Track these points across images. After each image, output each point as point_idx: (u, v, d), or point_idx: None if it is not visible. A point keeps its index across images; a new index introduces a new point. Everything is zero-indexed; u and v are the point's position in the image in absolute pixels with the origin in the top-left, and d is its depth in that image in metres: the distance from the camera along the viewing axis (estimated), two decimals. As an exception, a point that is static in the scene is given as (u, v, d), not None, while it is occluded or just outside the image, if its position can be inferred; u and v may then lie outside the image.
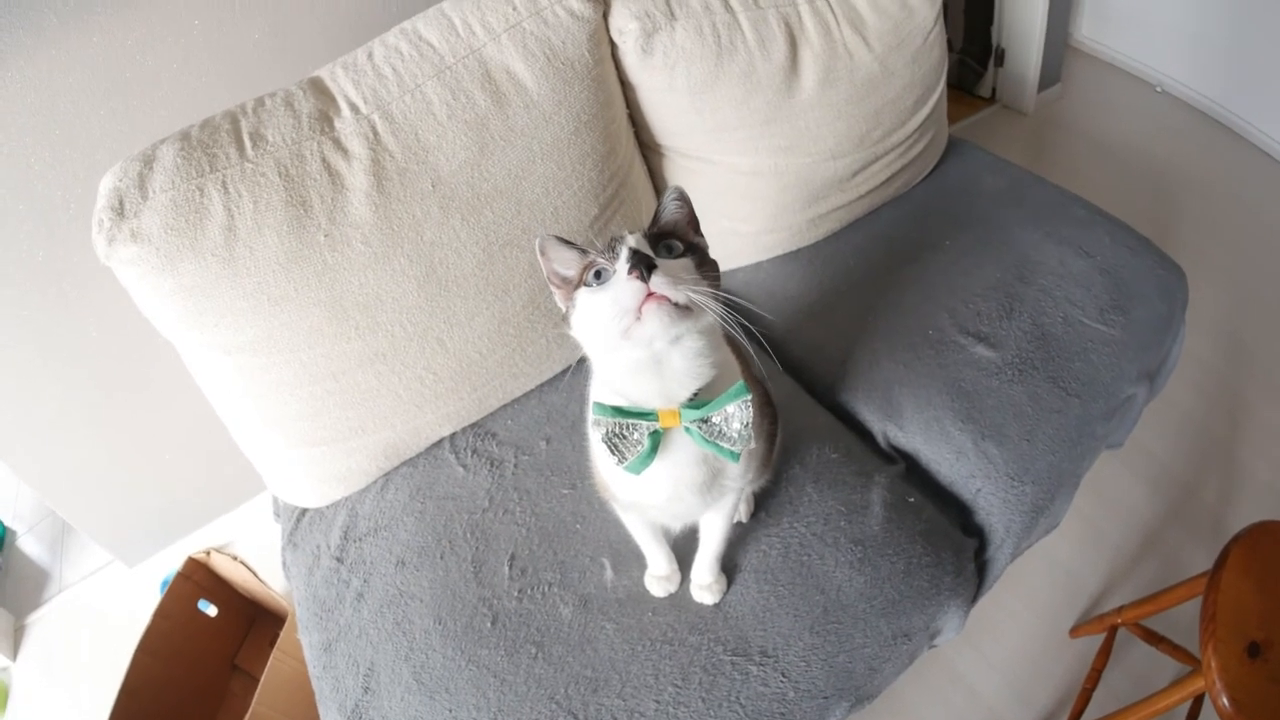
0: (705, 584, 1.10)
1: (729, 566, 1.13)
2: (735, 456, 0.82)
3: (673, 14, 1.29)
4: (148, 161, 1.08)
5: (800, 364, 1.42)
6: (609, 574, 1.15)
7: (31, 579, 2.22)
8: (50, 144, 1.31)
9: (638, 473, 0.82)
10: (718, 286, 0.80)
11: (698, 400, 0.81)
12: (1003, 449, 1.23)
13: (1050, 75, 2.83)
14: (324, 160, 1.12)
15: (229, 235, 1.07)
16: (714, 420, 0.80)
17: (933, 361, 1.33)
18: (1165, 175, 2.60)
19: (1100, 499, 1.81)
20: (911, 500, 1.20)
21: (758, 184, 1.45)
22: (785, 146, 1.42)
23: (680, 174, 1.45)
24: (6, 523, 2.38)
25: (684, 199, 0.87)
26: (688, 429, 0.81)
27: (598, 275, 0.78)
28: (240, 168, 1.09)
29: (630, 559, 1.15)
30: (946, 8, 2.75)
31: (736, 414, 0.80)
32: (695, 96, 1.33)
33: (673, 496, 0.89)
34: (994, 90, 2.91)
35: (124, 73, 1.31)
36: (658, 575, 1.12)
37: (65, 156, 1.33)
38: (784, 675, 1.05)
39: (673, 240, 0.81)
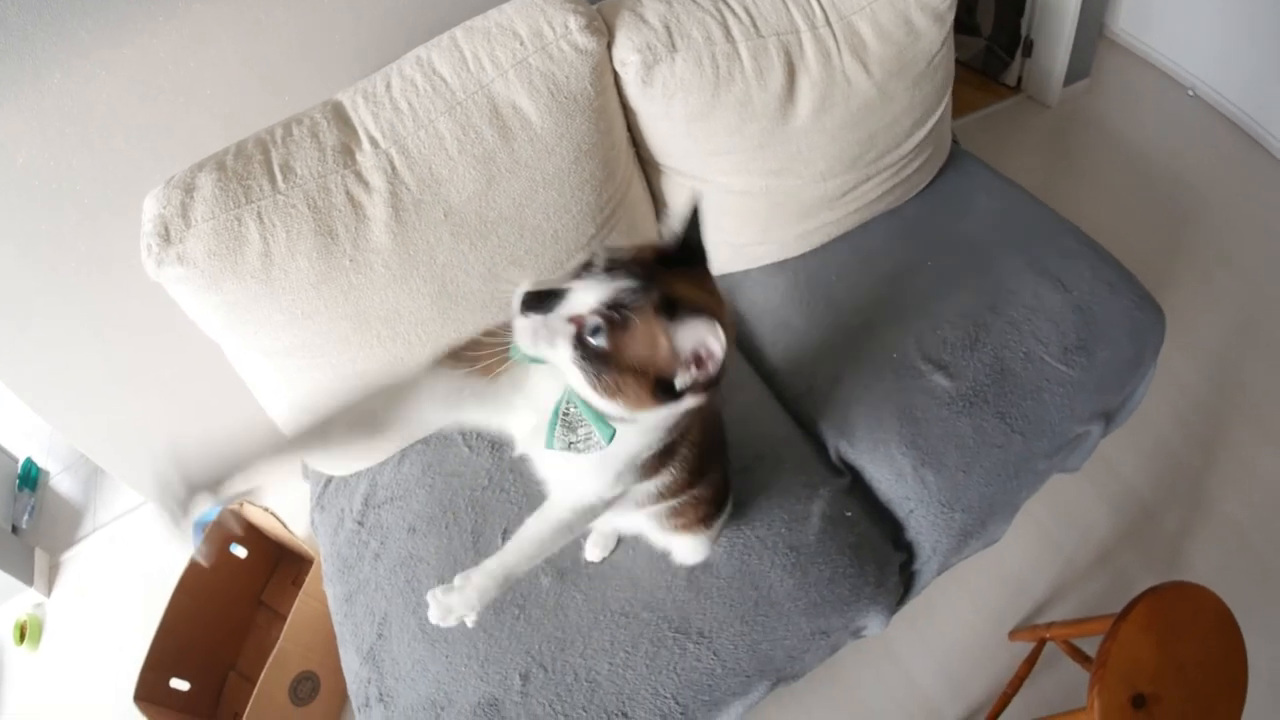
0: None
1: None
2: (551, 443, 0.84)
3: (674, 45, 1.34)
4: (188, 190, 1.21)
5: (773, 373, 1.54)
6: (585, 553, 1.35)
7: (66, 518, 2.37)
8: (89, 146, 1.40)
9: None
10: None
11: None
12: (939, 477, 1.37)
13: (1079, 69, 2.69)
14: (348, 193, 1.25)
15: (265, 260, 1.22)
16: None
17: (892, 385, 1.44)
18: (1184, 184, 2.48)
19: (1060, 511, 1.88)
20: (848, 514, 1.36)
21: (749, 202, 1.53)
22: (777, 169, 1.49)
23: (677, 190, 1.54)
24: (41, 463, 2.52)
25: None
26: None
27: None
28: (273, 200, 1.22)
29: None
30: (978, -9, 2.68)
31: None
32: (691, 124, 1.40)
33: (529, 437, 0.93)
34: (1020, 80, 2.80)
35: (157, 80, 1.39)
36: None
37: (104, 158, 1.42)
38: (715, 654, 1.26)
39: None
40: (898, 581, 1.38)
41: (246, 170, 1.24)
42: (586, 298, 0.72)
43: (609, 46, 1.35)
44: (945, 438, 1.39)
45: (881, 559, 1.36)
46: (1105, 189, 2.39)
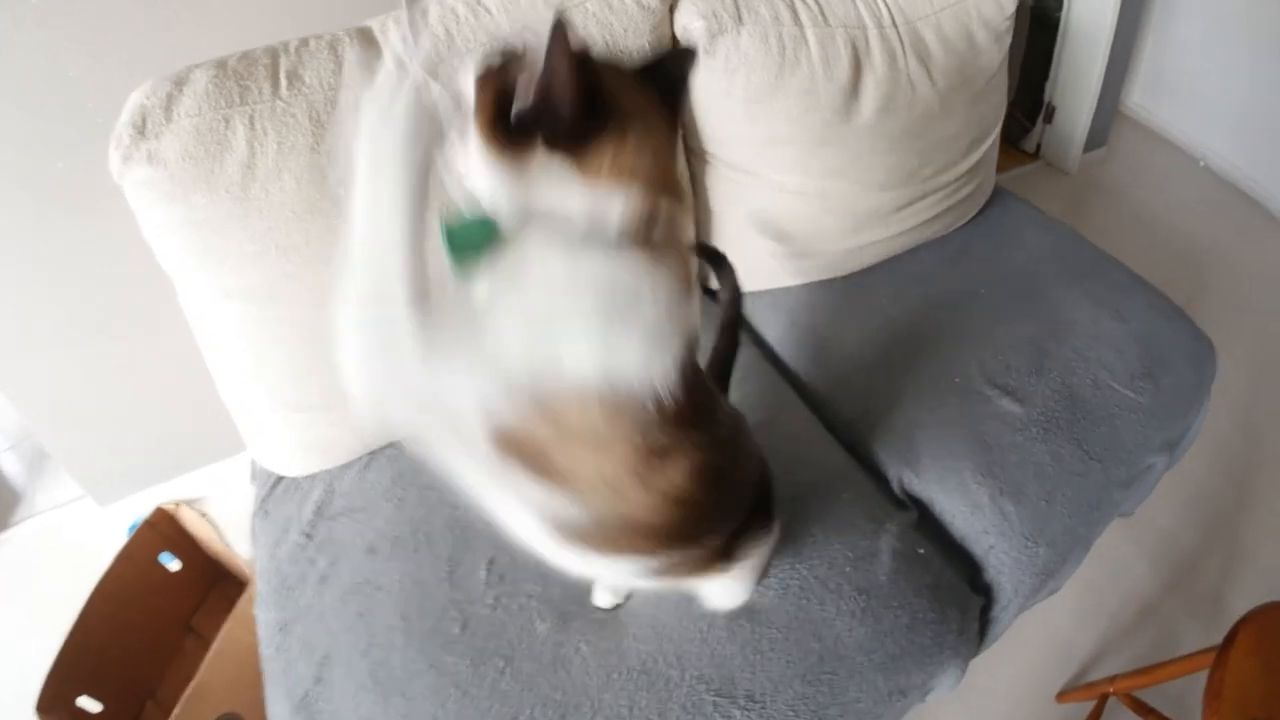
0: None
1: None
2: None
3: (740, 19, 1.26)
4: (178, 83, 1.05)
5: (822, 399, 1.37)
6: (594, 597, 1.08)
7: (3, 499, 2.14)
8: (90, 53, 1.31)
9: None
10: None
11: None
12: (1020, 507, 1.19)
13: (1097, 138, 2.83)
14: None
15: (247, 173, 1.04)
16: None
17: (956, 410, 1.29)
18: (1198, 251, 2.59)
19: (1101, 564, 1.76)
20: (922, 551, 1.15)
21: (800, 205, 1.42)
22: (834, 170, 1.39)
23: (722, 184, 1.42)
24: (-13, 437, 2.25)
25: None
26: None
27: None
28: (271, 105, 1.06)
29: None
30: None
31: None
32: (751, 105, 1.30)
33: None
34: (1039, 147, 2.92)
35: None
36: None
37: (104, 67, 1.32)
38: (769, 724, 0.98)
39: None
40: (977, 630, 1.16)
41: (249, 71, 1.08)
42: None
43: (671, 10, 1.25)
44: (1023, 465, 1.22)
45: (962, 602, 1.14)
46: (1123, 253, 2.41)
